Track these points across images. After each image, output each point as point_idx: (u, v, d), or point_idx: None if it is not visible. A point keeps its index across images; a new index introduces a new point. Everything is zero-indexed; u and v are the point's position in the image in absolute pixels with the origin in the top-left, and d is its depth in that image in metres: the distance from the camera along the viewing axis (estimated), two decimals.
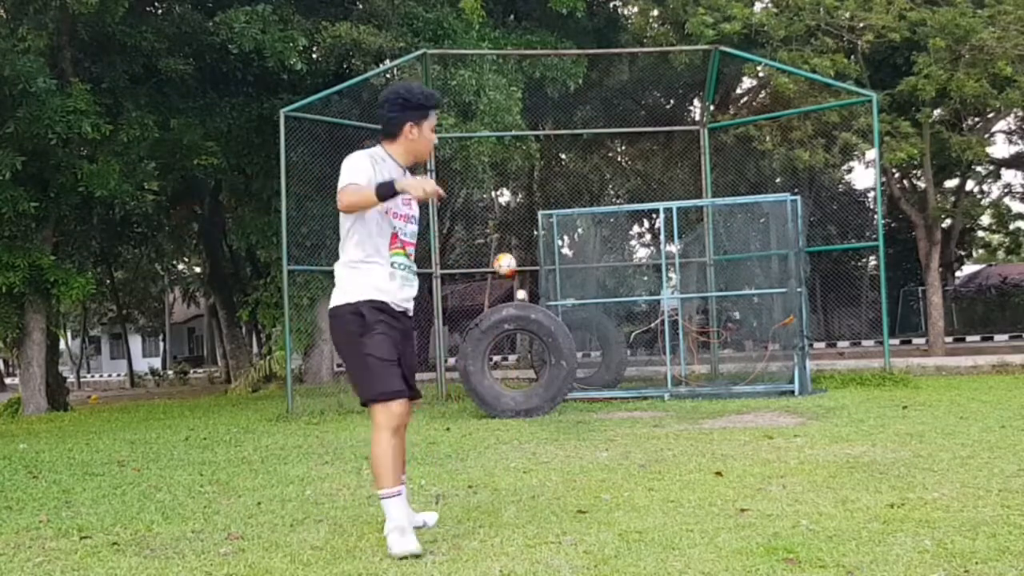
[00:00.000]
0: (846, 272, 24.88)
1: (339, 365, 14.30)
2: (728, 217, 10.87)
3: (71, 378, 29.17)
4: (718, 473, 4.54)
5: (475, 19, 11.74)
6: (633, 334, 11.76)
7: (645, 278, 12.69)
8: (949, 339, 18.34)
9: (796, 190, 11.00)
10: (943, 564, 2.80)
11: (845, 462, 4.71)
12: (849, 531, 3.25)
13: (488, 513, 3.84)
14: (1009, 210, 26.52)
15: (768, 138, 14.45)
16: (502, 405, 8.12)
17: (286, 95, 12.40)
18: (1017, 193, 27.47)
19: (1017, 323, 24.21)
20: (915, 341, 20.81)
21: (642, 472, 4.69)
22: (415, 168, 3.56)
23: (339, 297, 3.35)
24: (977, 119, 16.48)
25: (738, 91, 20.45)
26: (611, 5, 17.37)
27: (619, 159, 23.28)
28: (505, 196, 24.72)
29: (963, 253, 30.72)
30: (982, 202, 24.96)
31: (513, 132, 12.04)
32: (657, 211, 11.41)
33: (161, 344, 44.42)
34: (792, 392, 8.74)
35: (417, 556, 3.10)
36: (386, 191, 3.14)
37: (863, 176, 39.30)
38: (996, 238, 31.81)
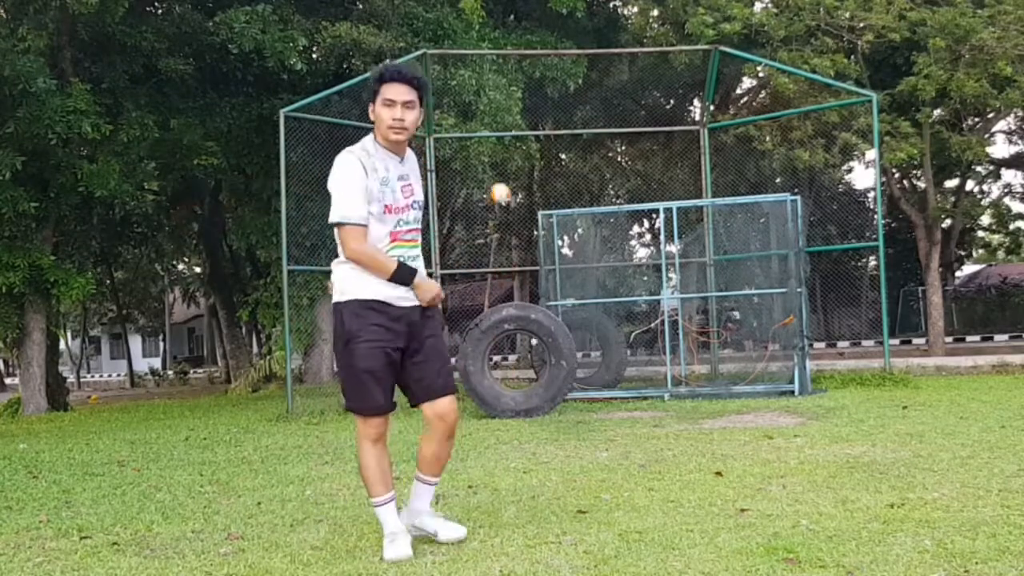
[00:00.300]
0: (846, 272, 24.87)
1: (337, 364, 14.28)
2: (728, 217, 10.87)
3: (71, 378, 29.17)
4: (718, 473, 4.54)
5: (475, 19, 11.74)
6: (633, 334, 11.76)
7: (645, 278, 12.69)
8: (949, 339, 18.34)
9: (796, 190, 11.00)
10: (943, 564, 2.80)
11: (845, 462, 4.71)
12: (849, 531, 3.25)
13: (488, 513, 3.84)
14: (1009, 210, 26.52)
15: (768, 138, 14.45)
16: (502, 405, 8.12)
17: (286, 95, 12.40)
18: (1017, 193, 27.48)
19: (1017, 323, 24.20)
20: (915, 341, 20.81)
21: (642, 472, 4.69)
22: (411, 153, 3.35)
23: (336, 296, 3.27)
24: (977, 119, 16.48)
25: (738, 91, 20.45)
26: (611, 5, 17.38)
27: (619, 159, 23.28)
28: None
29: (963, 253, 30.72)
30: (982, 202, 24.96)
31: (513, 132, 12.04)
32: (657, 211, 11.41)
33: (161, 344, 44.43)
34: (792, 392, 8.73)
35: (409, 558, 3.11)
36: (402, 279, 3.16)
37: (863, 176, 39.32)
38: (996, 238, 31.82)
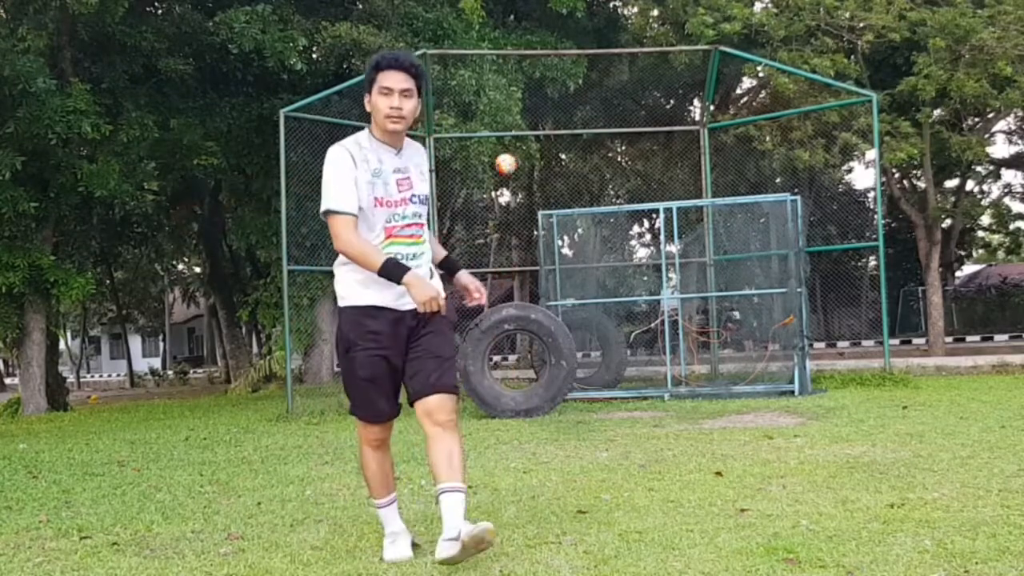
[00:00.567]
0: (846, 272, 24.87)
1: (338, 365, 14.30)
2: (728, 217, 10.87)
3: (71, 378, 29.19)
4: (718, 473, 4.54)
5: (475, 19, 11.74)
6: (633, 334, 11.76)
7: (645, 278, 12.69)
8: (949, 339, 18.34)
9: (796, 190, 11.00)
10: (943, 564, 2.80)
11: (845, 462, 4.71)
12: (849, 531, 3.25)
13: (488, 513, 3.84)
14: (1009, 210, 26.54)
15: (768, 138, 14.45)
16: (502, 405, 8.12)
17: (286, 95, 12.40)
18: (1017, 193, 27.48)
19: (1017, 323, 24.20)
20: (915, 341, 20.81)
21: (642, 472, 4.69)
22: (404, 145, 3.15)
23: (339, 299, 3.16)
24: (977, 119, 16.48)
25: (738, 91, 20.46)
26: (611, 5, 17.38)
27: (619, 159, 23.28)
28: (505, 196, 24.73)
29: (963, 253, 30.73)
30: (982, 202, 24.98)
31: (513, 132, 12.04)
32: (657, 211, 11.41)
33: (161, 344, 44.44)
34: (792, 392, 8.73)
35: (408, 559, 3.11)
36: (390, 275, 2.92)
37: (863, 176, 39.30)
38: (996, 238, 31.83)
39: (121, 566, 3.22)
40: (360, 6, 13.59)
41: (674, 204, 9.84)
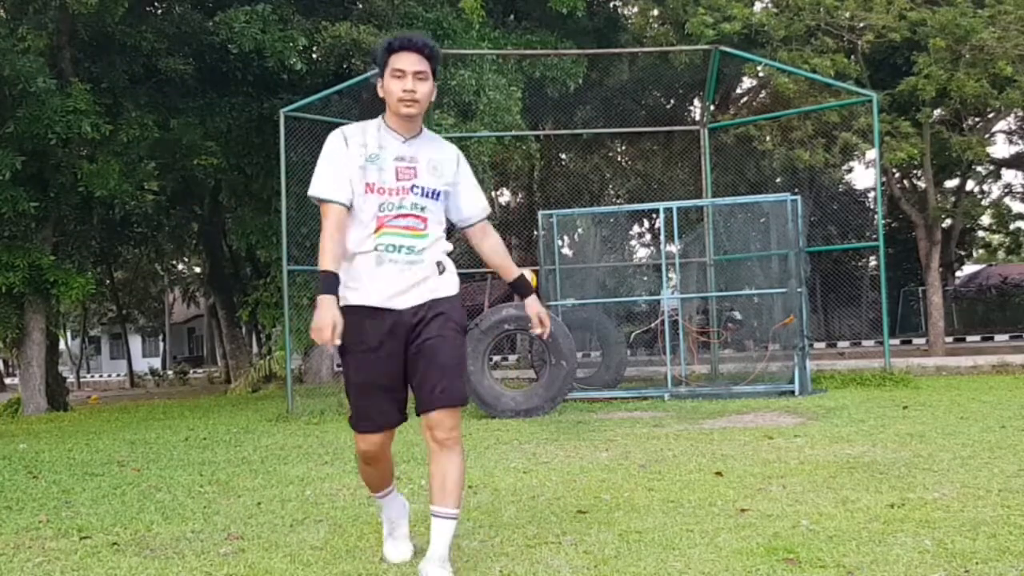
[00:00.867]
0: (846, 272, 24.89)
1: (338, 365, 14.30)
2: (728, 217, 10.87)
3: (71, 378, 29.19)
4: (718, 473, 4.54)
5: (475, 19, 11.74)
6: (633, 334, 11.76)
7: (645, 278, 12.69)
8: (949, 339, 18.34)
9: (796, 190, 10.99)
10: (943, 564, 2.80)
11: (845, 462, 4.71)
12: (849, 531, 3.24)
13: (488, 513, 3.84)
14: (1009, 210, 26.56)
15: (768, 138, 14.46)
16: (502, 405, 8.12)
17: (286, 95, 12.40)
18: (1017, 193, 27.50)
19: (1017, 323, 24.21)
20: (915, 341, 20.81)
21: (642, 472, 4.69)
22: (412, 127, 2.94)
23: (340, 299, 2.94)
24: (977, 119, 16.49)
25: (738, 91, 20.48)
26: (611, 5, 17.38)
27: (619, 159, 23.29)
28: (505, 196, 24.74)
29: (963, 253, 30.75)
30: (982, 202, 24.99)
31: (513, 132, 12.04)
32: (657, 211, 11.41)
33: (161, 344, 44.44)
34: (792, 392, 8.73)
35: (406, 561, 3.08)
36: (322, 285, 2.79)
37: (863, 176, 39.31)
38: (996, 238, 31.86)
39: (121, 566, 3.22)
40: (360, 6, 13.59)
41: (674, 204, 9.83)
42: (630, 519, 3.59)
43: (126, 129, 11.86)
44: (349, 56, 12.36)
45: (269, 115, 12.28)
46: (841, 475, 4.34)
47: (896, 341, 19.20)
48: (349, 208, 2.87)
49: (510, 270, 3.15)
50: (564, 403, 8.45)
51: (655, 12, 16.30)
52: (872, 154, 14.33)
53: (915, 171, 19.40)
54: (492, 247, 3.12)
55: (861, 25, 13.44)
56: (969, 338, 22.50)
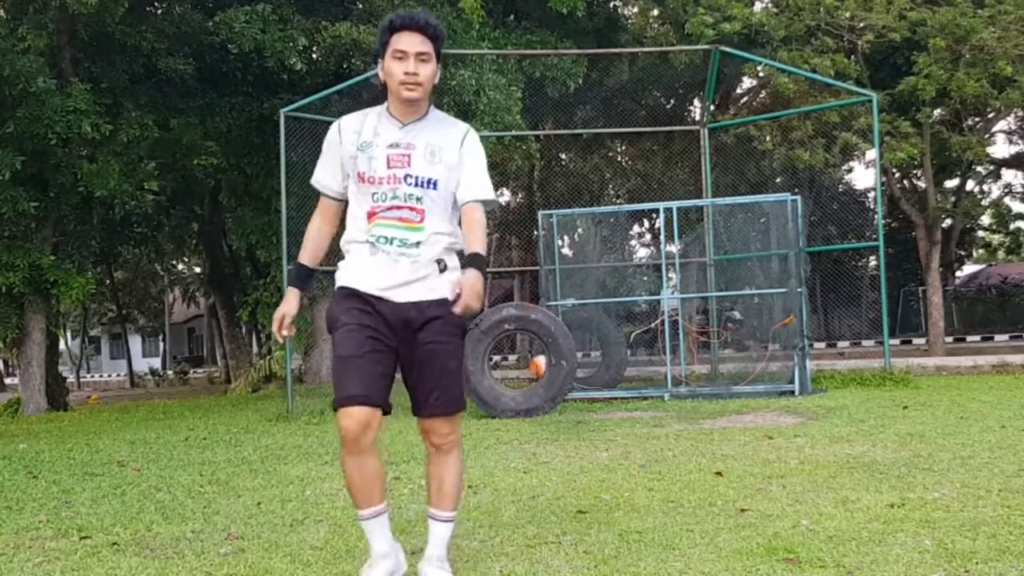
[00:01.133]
0: (846, 272, 24.90)
1: None
2: (728, 217, 10.87)
3: (71, 378, 29.20)
4: (718, 473, 4.54)
5: (475, 19, 11.74)
6: (633, 334, 11.76)
7: (645, 278, 12.69)
8: (949, 339, 18.34)
9: (796, 190, 11.01)
10: (943, 564, 2.80)
11: (845, 462, 4.71)
12: (849, 531, 3.24)
13: (488, 513, 3.84)
14: (1009, 210, 26.56)
15: (768, 138, 14.46)
16: (502, 405, 8.12)
17: (286, 95, 12.40)
18: (1017, 193, 27.51)
19: (1017, 323, 24.22)
20: (915, 341, 20.81)
21: (642, 472, 4.69)
22: (410, 111, 2.78)
23: (336, 280, 2.89)
24: (977, 119, 16.49)
25: (738, 91, 20.47)
26: (611, 5, 17.36)
27: (619, 159, 23.28)
28: (505, 196, 24.73)
29: (963, 253, 30.76)
30: (982, 202, 25.00)
31: (513, 132, 12.04)
32: (657, 211, 11.41)
33: (161, 344, 44.45)
34: (792, 392, 8.73)
35: None
36: (291, 274, 2.86)
37: (863, 176, 39.33)
38: (996, 238, 31.86)
39: (121, 566, 3.22)
40: (360, 6, 13.58)
41: (674, 204, 9.84)
42: (630, 519, 3.59)
43: (126, 129, 11.86)
44: (349, 56, 12.36)
45: (269, 115, 12.28)
46: (841, 475, 4.34)
47: (896, 341, 19.21)
48: (339, 201, 2.85)
49: (470, 246, 2.80)
50: (564, 403, 8.45)
51: (655, 12, 16.30)
52: (872, 154, 14.33)
53: (915, 171, 19.40)
54: (467, 221, 2.79)
55: (861, 25, 13.44)
56: (969, 338, 22.51)
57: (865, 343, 21.92)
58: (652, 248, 22.81)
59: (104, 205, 13.62)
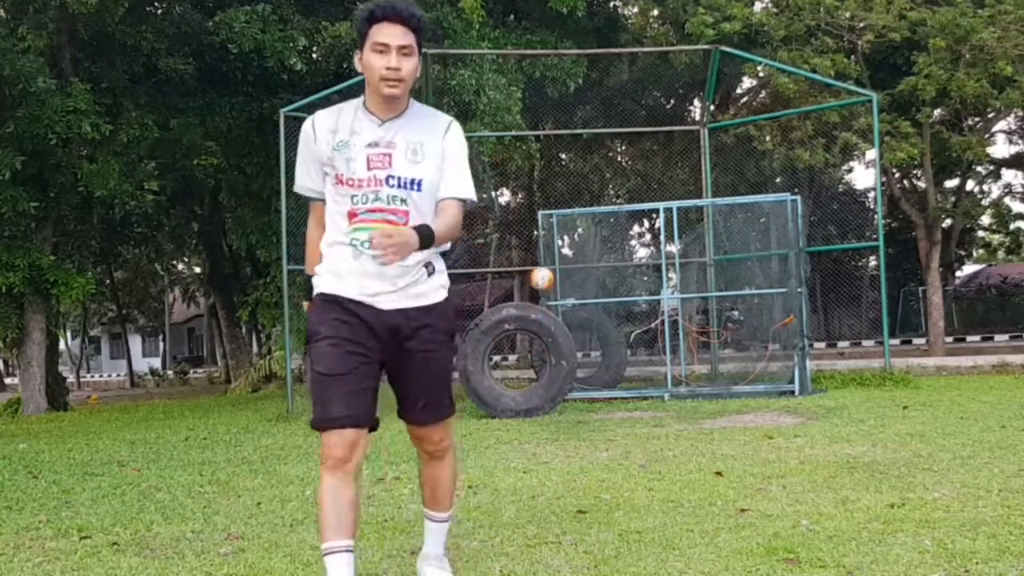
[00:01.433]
0: (846, 272, 24.90)
1: None
2: (728, 217, 10.87)
3: (71, 378, 29.20)
4: (718, 473, 4.53)
5: (475, 19, 11.74)
6: (633, 334, 11.76)
7: (645, 278, 12.69)
8: (949, 339, 18.34)
9: (796, 190, 11.00)
10: (943, 564, 2.80)
11: (845, 462, 4.71)
12: (849, 531, 3.24)
13: (488, 513, 3.84)
14: (1009, 210, 26.58)
15: (768, 138, 14.46)
16: (502, 405, 8.12)
17: (286, 95, 12.41)
18: (1017, 193, 27.52)
19: (1017, 323, 24.22)
20: (915, 341, 20.81)
21: (642, 472, 4.69)
22: (393, 108, 2.58)
23: (314, 286, 2.70)
24: (977, 119, 16.49)
25: (738, 91, 20.47)
26: (611, 5, 17.36)
27: (619, 159, 23.29)
28: (505, 196, 24.73)
29: (963, 253, 30.77)
30: (982, 202, 25.01)
31: (513, 132, 12.04)
32: (657, 211, 11.41)
33: (161, 344, 44.44)
34: (792, 392, 8.73)
35: None
36: (309, 290, 2.66)
37: (863, 176, 39.32)
38: (996, 238, 31.88)
39: (121, 566, 3.22)
40: (360, 6, 13.59)
41: (674, 204, 9.84)
42: (630, 519, 3.59)
43: (126, 129, 11.87)
44: (349, 56, 12.33)
45: (269, 115, 12.28)
46: (841, 475, 4.34)
47: (896, 341, 19.20)
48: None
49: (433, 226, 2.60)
50: (564, 403, 8.45)
51: (655, 12, 16.30)
52: (872, 154, 14.33)
53: (915, 171, 19.40)
54: (440, 209, 2.63)
55: (861, 25, 13.43)
56: (969, 338, 22.50)
57: (865, 343, 21.92)
58: (652, 248, 22.82)
59: (104, 205, 13.62)
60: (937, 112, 14.84)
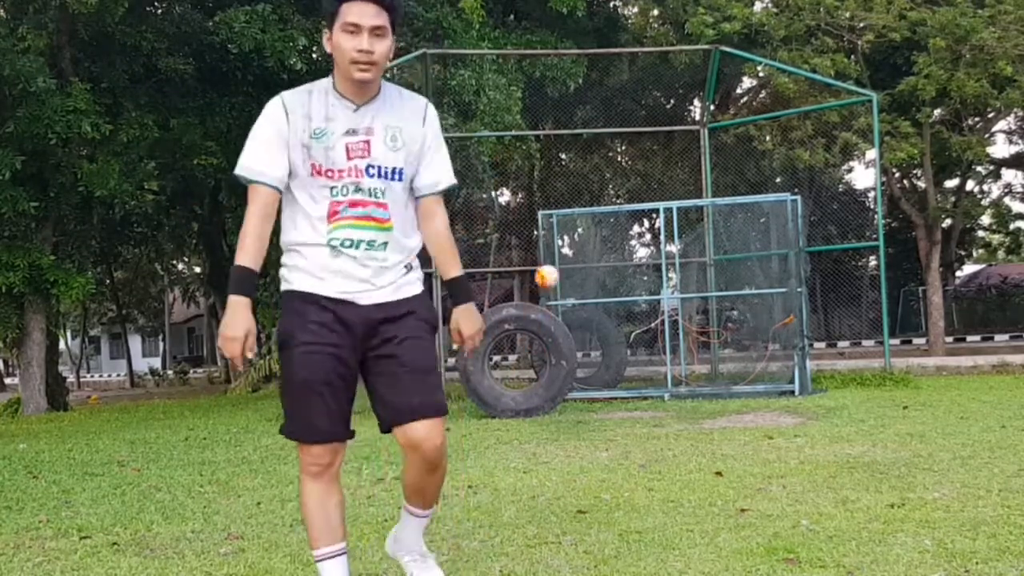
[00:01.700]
0: (846, 272, 24.91)
1: None
2: (728, 217, 10.87)
3: (71, 378, 29.21)
4: (718, 473, 4.53)
5: (475, 19, 11.74)
6: (633, 334, 11.76)
7: (645, 278, 12.69)
8: (949, 339, 18.35)
9: (796, 190, 11.00)
10: (943, 564, 2.80)
11: (845, 462, 4.71)
12: (849, 531, 3.24)
13: (488, 513, 3.84)
14: (1009, 210, 26.60)
15: (768, 138, 14.47)
16: (502, 405, 8.12)
17: None
18: (1017, 193, 27.54)
19: (1017, 323, 24.23)
20: (915, 341, 20.81)
21: (642, 472, 4.69)
22: (363, 94, 2.41)
23: (282, 283, 2.55)
24: (977, 119, 16.50)
25: (738, 91, 20.49)
26: (611, 5, 17.38)
27: (619, 159, 23.30)
28: (505, 196, 24.74)
29: (963, 253, 30.78)
30: (982, 202, 25.02)
31: (513, 132, 12.04)
32: (657, 211, 11.41)
33: (161, 344, 44.45)
34: (792, 392, 8.73)
35: None
36: (233, 284, 2.40)
37: (863, 176, 39.36)
38: (996, 238, 31.89)
39: (121, 566, 3.22)
40: None
41: (674, 204, 9.83)
42: (630, 519, 3.59)
43: (126, 129, 11.87)
44: None
45: None
46: (841, 475, 4.34)
47: (896, 341, 19.20)
48: (280, 192, 2.40)
49: (448, 267, 2.55)
50: (564, 403, 8.45)
51: (655, 12, 16.31)
52: (872, 154, 14.33)
53: (915, 171, 19.41)
54: (435, 233, 2.54)
55: (861, 25, 13.44)
56: (969, 338, 22.50)
57: (865, 343, 21.92)
58: (652, 248, 22.82)
59: (104, 205, 13.63)
60: (937, 112, 14.85)
